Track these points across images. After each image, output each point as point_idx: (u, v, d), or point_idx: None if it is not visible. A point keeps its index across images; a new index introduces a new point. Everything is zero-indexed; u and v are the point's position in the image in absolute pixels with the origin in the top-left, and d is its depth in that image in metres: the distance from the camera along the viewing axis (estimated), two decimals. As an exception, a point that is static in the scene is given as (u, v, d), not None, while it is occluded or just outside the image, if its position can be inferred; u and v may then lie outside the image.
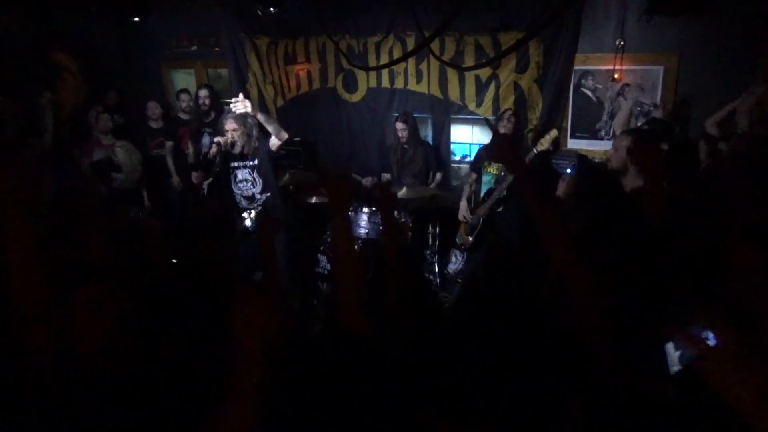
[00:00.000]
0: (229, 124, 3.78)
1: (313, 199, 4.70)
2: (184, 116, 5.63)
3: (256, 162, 3.92)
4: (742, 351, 0.97)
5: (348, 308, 1.53)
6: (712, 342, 1.02)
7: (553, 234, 1.50)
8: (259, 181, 3.98)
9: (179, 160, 5.48)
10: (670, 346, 1.48)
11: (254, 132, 3.88)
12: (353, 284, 1.55)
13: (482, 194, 4.08)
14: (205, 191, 4.68)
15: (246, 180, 3.98)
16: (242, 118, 3.77)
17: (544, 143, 3.60)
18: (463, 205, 4.22)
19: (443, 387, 1.19)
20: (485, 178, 4.09)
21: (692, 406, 1.23)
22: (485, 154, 4.16)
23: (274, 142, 3.80)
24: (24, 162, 1.42)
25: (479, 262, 3.97)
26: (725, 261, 1.45)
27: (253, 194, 3.99)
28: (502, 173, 3.94)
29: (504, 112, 4.28)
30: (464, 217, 4.19)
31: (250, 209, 4.00)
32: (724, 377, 0.97)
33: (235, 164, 3.94)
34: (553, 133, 3.64)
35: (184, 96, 5.64)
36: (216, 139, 3.82)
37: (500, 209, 3.93)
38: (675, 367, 1.47)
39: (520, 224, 3.86)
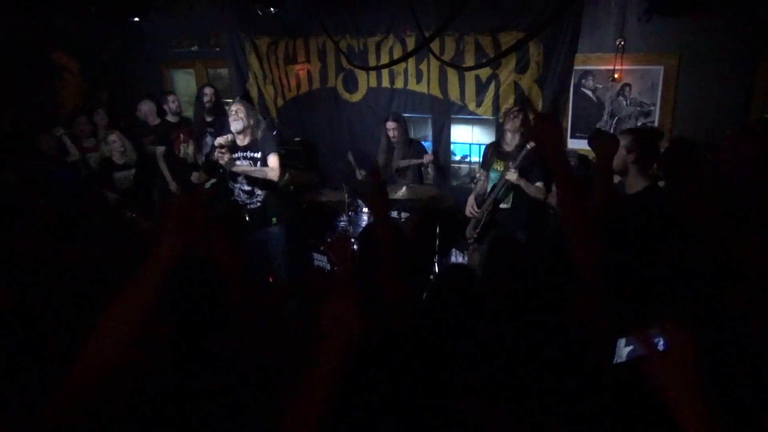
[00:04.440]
0: (234, 105, 3.81)
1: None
2: (172, 119, 5.53)
3: (259, 155, 3.87)
4: (687, 362, 0.99)
5: (394, 305, 1.55)
6: (661, 347, 1.05)
7: (579, 230, 1.51)
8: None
9: (173, 164, 5.41)
10: (621, 341, 1.52)
11: (261, 124, 3.88)
12: (398, 285, 1.57)
13: (488, 190, 4.10)
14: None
15: None
16: (248, 105, 3.82)
17: None
18: (470, 200, 4.24)
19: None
20: (492, 175, 4.11)
21: (627, 399, 1.26)
22: (494, 151, 4.18)
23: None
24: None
25: (481, 257, 3.99)
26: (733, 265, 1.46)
27: (253, 189, 3.93)
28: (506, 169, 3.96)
29: (510, 111, 4.21)
30: (470, 213, 4.21)
31: (248, 204, 3.96)
32: (662, 381, 1.01)
33: (237, 155, 3.86)
34: None
35: (171, 97, 5.53)
36: (218, 141, 3.79)
37: (505, 205, 3.95)
38: (619, 360, 1.51)
39: (523, 220, 3.89)
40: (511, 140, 3.96)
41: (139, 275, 1.21)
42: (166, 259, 1.24)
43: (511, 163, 3.78)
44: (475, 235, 4.15)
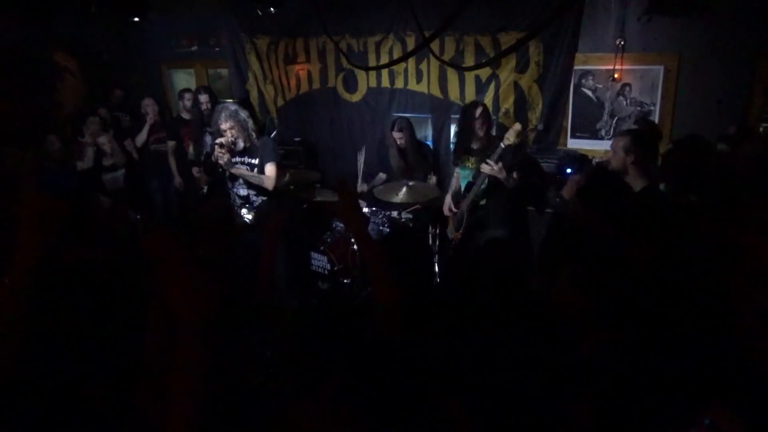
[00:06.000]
0: (224, 124, 3.74)
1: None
2: (186, 116, 5.56)
3: (256, 161, 3.87)
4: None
5: (387, 312, 1.53)
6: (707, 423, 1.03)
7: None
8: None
9: (181, 160, 5.45)
10: None
11: (250, 125, 3.84)
12: (389, 289, 1.56)
13: (462, 188, 4.07)
14: (206, 191, 4.68)
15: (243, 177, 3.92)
16: (234, 113, 3.74)
17: (510, 137, 3.53)
18: (447, 199, 4.22)
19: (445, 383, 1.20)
20: (463, 172, 4.08)
21: None
22: (462, 147, 4.13)
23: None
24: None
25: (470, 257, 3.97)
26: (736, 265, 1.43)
27: (248, 195, 3.92)
28: (480, 166, 3.93)
29: (475, 107, 3.97)
30: (449, 211, 4.19)
31: (246, 207, 3.96)
32: None
33: (234, 160, 3.86)
34: (516, 126, 3.57)
35: (187, 95, 5.55)
36: (218, 141, 3.77)
37: (483, 202, 3.92)
38: None
39: (504, 215, 3.86)
40: (478, 137, 3.93)
41: (4, 286, 1.11)
42: (28, 269, 1.12)
43: (486, 159, 3.67)
44: (459, 237, 4.11)
